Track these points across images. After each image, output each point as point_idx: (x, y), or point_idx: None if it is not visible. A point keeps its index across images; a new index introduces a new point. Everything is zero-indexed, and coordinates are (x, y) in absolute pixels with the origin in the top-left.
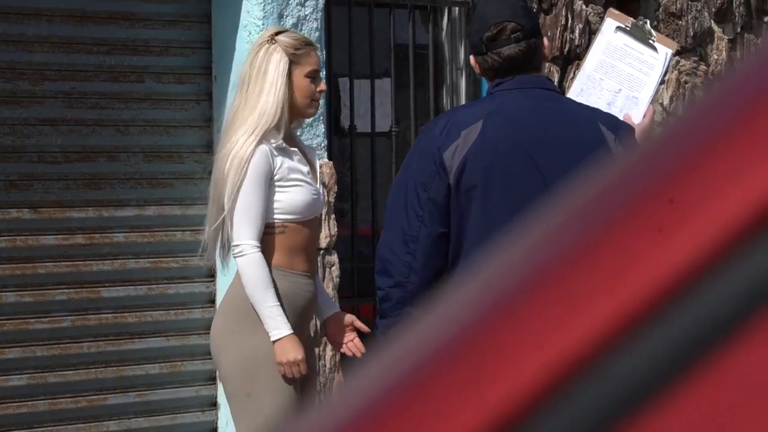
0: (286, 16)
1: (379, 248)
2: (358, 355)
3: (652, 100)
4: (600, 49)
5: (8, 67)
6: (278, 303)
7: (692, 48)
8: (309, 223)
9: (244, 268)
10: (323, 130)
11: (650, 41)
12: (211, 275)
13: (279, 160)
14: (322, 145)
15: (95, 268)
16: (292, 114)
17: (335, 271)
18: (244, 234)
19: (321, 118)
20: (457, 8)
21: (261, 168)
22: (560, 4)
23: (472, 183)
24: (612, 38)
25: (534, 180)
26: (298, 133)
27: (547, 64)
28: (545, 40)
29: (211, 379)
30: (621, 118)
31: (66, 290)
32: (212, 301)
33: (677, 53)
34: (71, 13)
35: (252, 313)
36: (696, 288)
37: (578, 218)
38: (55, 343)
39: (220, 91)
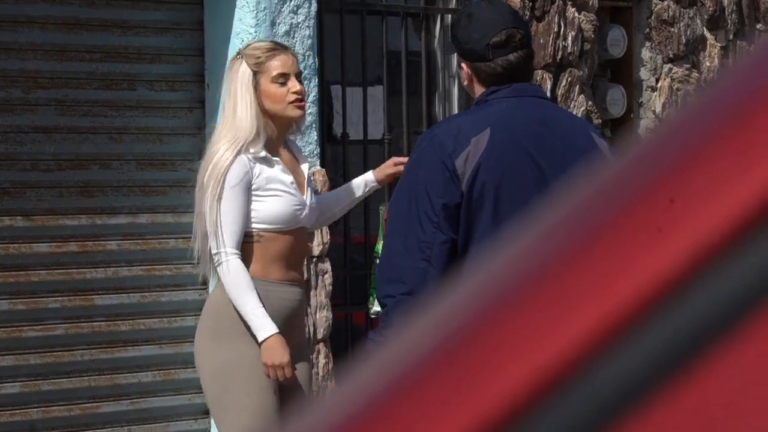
0: (279, 24)
1: (386, 256)
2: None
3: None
4: None
5: (1, 75)
6: (262, 305)
7: (685, 55)
8: (290, 232)
9: (225, 275)
10: (315, 137)
11: None
12: (204, 283)
13: (258, 169)
14: (315, 152)
15: (88, 276)
16: (275, 122)
17: (328, 278)
18: (223, 242)
19: (313, 125)
20: (449, 16)
21: (238, 177)
22: (553, 12)
23: (484, 190)
24: None
25: (541, 187)
26: (295, 139)
27: (540, 72)
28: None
29: None
30: None
31: (59, 298)
32: None
33: (670, 60)
34: (64, 20)
35: (231, 321)
36: (695, 287)
37: (576, 217)
38: (48, 350)
39: (213, 98)
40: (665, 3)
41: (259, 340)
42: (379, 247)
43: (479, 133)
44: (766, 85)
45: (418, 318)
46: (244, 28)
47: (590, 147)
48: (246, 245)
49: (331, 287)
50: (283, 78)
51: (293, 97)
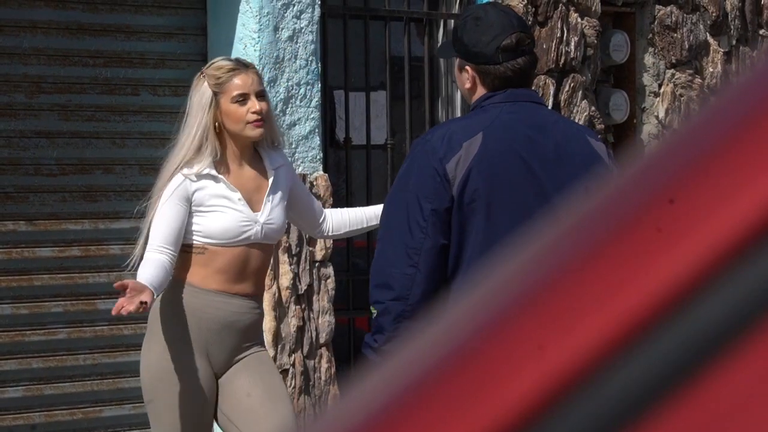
0: (282, 29)
1: (376, 262)
2: None
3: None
4: None
5: (4, 80)
6: (146, 273)
7: (687, 61)
8: (237, 247)
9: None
10: (318, 142)
11: None
12: None
13: (198, 185)
14: (318, 157)
15: (91, 281)
16: (237, 141)
17: (330, 283)
18: (148, 245)
19: (316, 130)
20: (452, 21)
21: (169, 192)
22: (555, 17)
23: (476, 195)
24: None
25: (535, 192)
26: (285, 148)
27: (542, 77)
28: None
29: None
30: None
31: (62, 302)
32: None
33: (673, 66)
34: (67, 25)
35: (158, 327)
36: (700, 292)
37: (577, 225)
38: (51, 355)
39: None
40: (668, 8)
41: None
42: None
43: (471, 137)
44: None
45: (426, 328)
46: (247, 33)
47: (587, 152)
48: (187, 255)
49: (333, 292)
50: (242, 98)
51: (252, 117)
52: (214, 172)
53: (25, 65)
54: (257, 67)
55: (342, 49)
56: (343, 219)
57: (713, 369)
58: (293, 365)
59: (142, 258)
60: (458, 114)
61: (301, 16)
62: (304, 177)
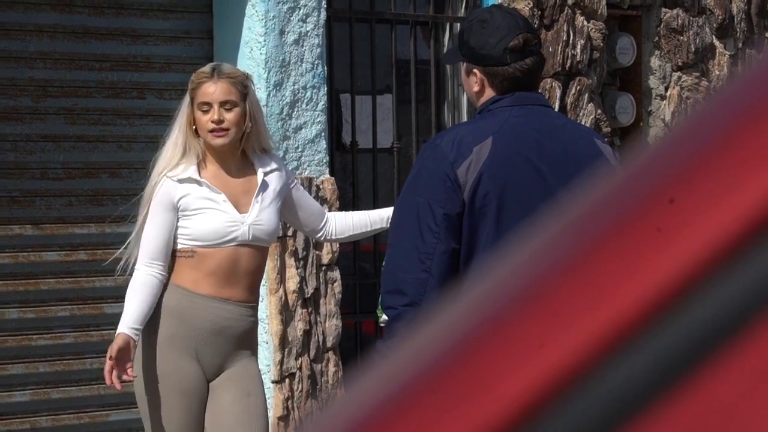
0: (288, 33)
1: (387, 268)
2: None
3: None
4: None
5: (10, 83)
6: (135, 309)
7: (694, 63)
8: (225, 249)
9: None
10: (324, 146)
11: None
12: None
13: (184, 190)
14: (324, 161)
15: (98, 285)
16: (207, 146)
17: (337, 287)
18: (139, 257)
19: (323, 134)
20: (458, 24)
21: (159, 198)
22: (561, 20)
23: (487, 199)
24: None
25: (545, 195)
26: (278, 152)
27: (549, 80)
28: None
29: None
30: None
31: (68, 306)
32: None
33: (679, 68)
34: (73, 29)
35: (151, 329)
36: (698, 290)
37: (576, 223)
38: (57, 359)
39: None
40: (674, 11)
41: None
42: None
43: (481, 142)
44: None
45: (426, 325)
46: (254, 36)
47: (594, 154)
48: (181, 260)
49: (340, 296)
50: (206, 106)
51: (210, 126)
52: (196, 175)
53: (31, 69)
54: (264, 71)
55: (348, 53)
56: (347, 222)
57: (712, 366)
58: (300, 369)
59: (133, 263)
60: (464, 117)
61: (307, 20)
62: (310, 180)
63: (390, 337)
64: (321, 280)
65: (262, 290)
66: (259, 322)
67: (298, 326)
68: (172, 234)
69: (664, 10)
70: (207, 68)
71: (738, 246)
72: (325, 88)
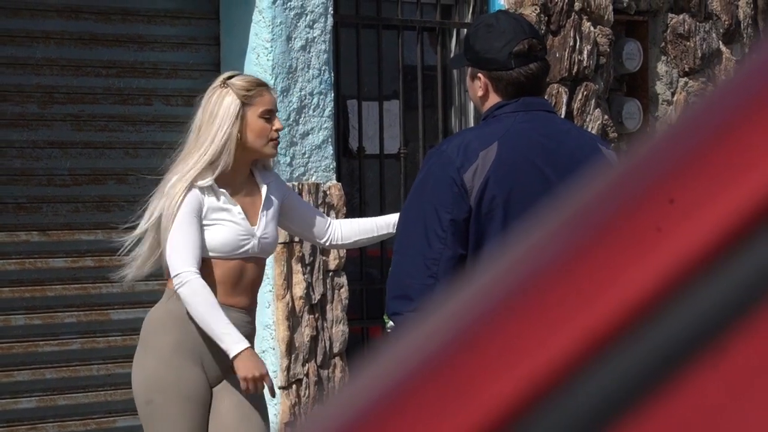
0: (294, 39)
1: (393, 273)
2: None
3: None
4: None
5: (17, 90)
6: (229, 321)
7: (700, 69)
8: (235, 260)
9: (187, 297)
10: (331, 151)
11: None
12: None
13: (206, 199)
14: (331, 167)
15: (104, 291)
16: (248, 155)
17: (344, 292)
18: (180, 264)
19: (329, 140)
20: (465, 30)
21: (190, 205)
22: (568, 26)
23: (494, 204)
24: None
25: (551, 200)
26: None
27: (555, 85)
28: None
29: None
30: None
31: (75, 313)
32: None
33: (686, 74)
34: (80, 36)
35: (154, 336)
36: (693, 288)
37: (575, 220)
38: (64, 365)
39: None
40: (681, 17)
41: (231, 357)
42: None
43: (487, 147)
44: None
45: (415, 328)
46: (260, 42)
47: (598, 159)
48: None
49: (347, 301)
50: (269, 114)
51: (275, 134)
52: (215, 185)
53: (37, 75)
54: (270, 77)
55: (355, 59)
56: (353, 228)
57: (703, 365)
58: (307, 375)
59: (140, 262)
60: (471, 123)
61: (314, 26)
62: (317, 186)
63: None
64: (328, 286)
65: (269, 296)
66: (266, 327)
67: (305, 332)
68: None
69: (670, 15)
70: (251, 77)
71: (730, 245)
72: (332, 94)
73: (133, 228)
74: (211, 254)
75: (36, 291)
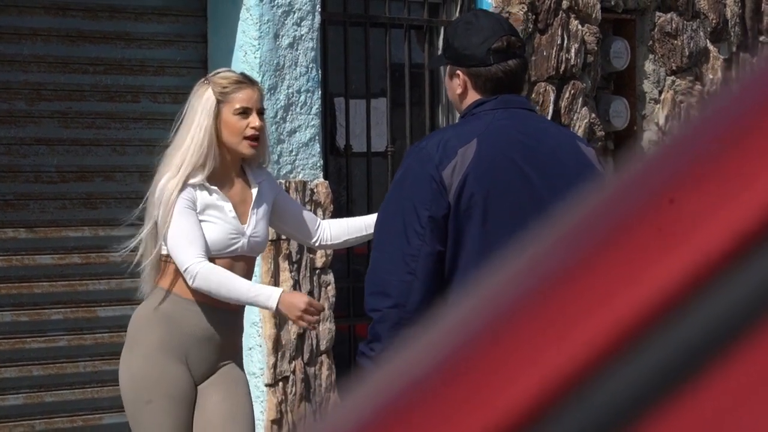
0: (282, 36)
1: (372, 270)
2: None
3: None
4: None
5: (4, 87)
6: (250, 284)
7: (688, 67)
8: (224, 259)
9: (203, 285)
10: (319, 149)
11: None
12: None
13: (199, 196)
14: (318, 164)
15: (91, 288)
16: (229, 153)
17: (331, 290)
18: (186, 256)
19: (317, 137)
20: None
21: (185, 200)
22: (556, 24)
23: (472, 201)
24: None
25: (530, 197)
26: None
27: (543, 84)
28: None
29: None
30: None
31: (62, 310)
32: None
33: (673, 72)
34: (67, 33)
35: (140, 334)
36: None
37: (576, 228)
38: (51, 362)
39: None
40: (668, 15)
41: (273, 309)
42: None
43: (466, 144)
44: None
45: (426, 331)
46: (248, 40)
47: (578, 157)
48: (173, 265)
49: (334, 299)
50: (244, 111)
51: (250, 132)
52: (207, 183)
53: (25, 72)
54: (258, 75)
55: (342, 57)
56: (342, 228)
57: (712, 370)
58: (293, 372)
59: (141, 263)
60: (457, 121)
61: (302, 24)
62: (304, 184)
63: (374, 340)
64: (315, 284)
65: None
66: (253, 325)
67: (291, 330)
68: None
69: (658, 14)
70: (233, 73)
71: (741, 249)
72: (320, 92)
73: (132, 226)
74: None
75: (23, 288)
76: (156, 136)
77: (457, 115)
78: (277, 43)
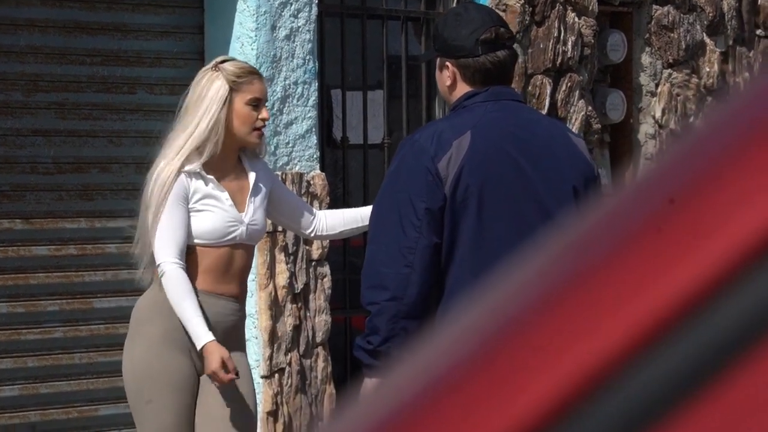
0: (279, 28)
1: (368, 263)
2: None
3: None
4: None
5: (1, 78)
6: (200, 313)
7: (684, 60)
8: (223, 248)
9: (166, 286)
10: (315, 141)
11: None
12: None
13: (193, 185)
14: (314, 156)
15: (87, 279)
16: (233, 141)
17: (327, 282)
18: (163, 253)
19: (313, 129)
20: None
21: (178, 192)
22: (553, 17)
23: (468, 192)
24: None
25: (525, 188)
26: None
27: (539, 76)
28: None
29: None
30: None
31: (58, 301)
32: None
33: (670, 65)
34: (64, 24)
35: (143, 325)
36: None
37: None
38: (46, 353)
39: None
40: (665, 8)
41: (198, 349)
42: None
43: (460, 136)
44: None
45: (445, 328)
46: (245, 32)
47: (569, 148)
48: None
49: (330, 291)
50: (256, 102)
51: (260, 124)
52: (203, 171)
53: (22, 63)
54: (254, 66)
55: (339, 48)
56: (337, 219)
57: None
58: (289, 364)
59: (142, 258)
60: None
61: (299, 15)
62: (300, 176)
63: (372, 333)
64: (311, 276)
65: (252, 285)
66: (249, 317)
67: (287, 321)
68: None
69: (655, 7)
70: (244, 64)
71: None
72: (316, 84)
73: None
74: (199, 241)
75: (19, 279)
76: (152, 127)
77: None
78: (274, 34)
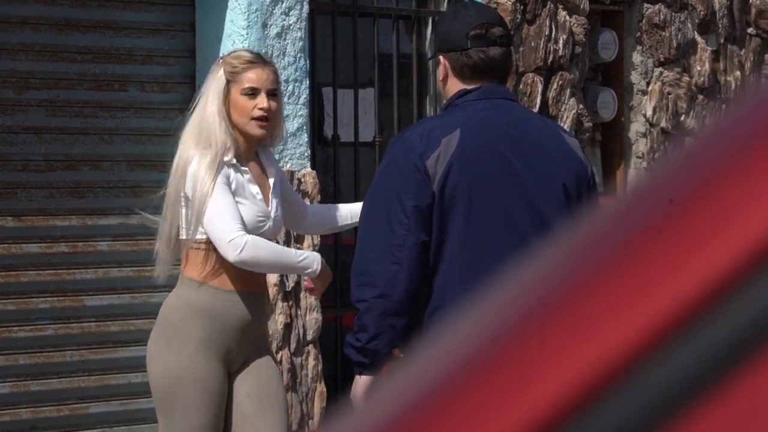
0: (270, 26)
1: (357, 260)
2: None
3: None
4: None
5: None
6: (295, 251)
7: (675, 59)
8: None
9: (251, 255)
10: (306, 139)
11: None
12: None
13: (233, 176)
14: (305, 154)
15: (78, 277)
16: (239, 134)
17: None
18: (229, 227)
19: (304, 127)
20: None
21: (223, 180)
22: (544, 15)
23: (457, 190)
24: None
25: (514, 186)
26: (273, 151)
27: (531, 75)
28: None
29: None
30: None
31: (49, 298)
32: None
33: (661, 64)
34: (55, 21)
35: (178, 329)
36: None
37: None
38: (37, 351)
39: None
40: (656, 7)
41: (317, 272)
42: None
43: (450, 133)
44: None
45: (457, 324)
46: (236, 29)
47: (561, 147)
48: (198, 252)
49: None
50: (252, 92)
51: (258, 113)
52: (238, 163)
53: (13, 61)
54: None
55: (330, 46)
56: (328, 214)
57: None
58: (280, 362)
59: (162, 255)
60: None
61: (290, 13)
62: (291, 174)
63: (360, 330)
64: (301, 275)
65: None
66: None
67: (278, 320)
68: None
69: (646, 5)
70: (248, 54)
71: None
72: (308, 82)
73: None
74: None
75: (10, 276)
76: (143, 125)
77: None
78: (266, 32)
